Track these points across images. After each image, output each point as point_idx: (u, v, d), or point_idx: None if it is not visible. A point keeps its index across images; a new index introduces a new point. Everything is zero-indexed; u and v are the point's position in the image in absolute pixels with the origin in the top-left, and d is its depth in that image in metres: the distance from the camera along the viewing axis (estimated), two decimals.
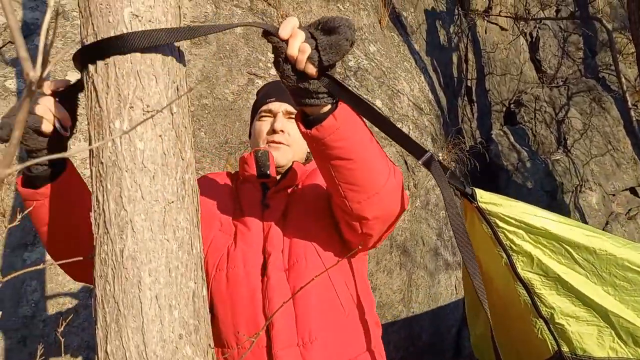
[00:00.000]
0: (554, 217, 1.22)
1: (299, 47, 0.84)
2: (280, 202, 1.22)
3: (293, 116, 1.30)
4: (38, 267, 0.82)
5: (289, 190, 1.27)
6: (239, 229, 1.18)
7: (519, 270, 1.24)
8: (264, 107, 1.36)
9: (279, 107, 1.34)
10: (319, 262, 1.12)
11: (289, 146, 1.32)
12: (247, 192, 1.26)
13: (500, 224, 1.21)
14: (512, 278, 1.26)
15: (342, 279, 1.17)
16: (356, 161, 0.98)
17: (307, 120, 0.96)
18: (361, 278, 1.23)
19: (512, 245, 1.22)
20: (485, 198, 1.20)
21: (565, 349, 1.29)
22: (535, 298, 1.25)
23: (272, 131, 1.31)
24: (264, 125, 1.34)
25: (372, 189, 1.01)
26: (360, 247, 1.11)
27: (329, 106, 0.93)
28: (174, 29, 0.83)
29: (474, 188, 1.19)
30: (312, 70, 0.86)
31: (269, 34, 0.87)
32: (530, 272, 1.23)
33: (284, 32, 0.85)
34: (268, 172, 1.26)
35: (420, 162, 1.08)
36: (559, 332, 1.28)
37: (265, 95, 1.40)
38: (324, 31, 0.86)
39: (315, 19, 0.88)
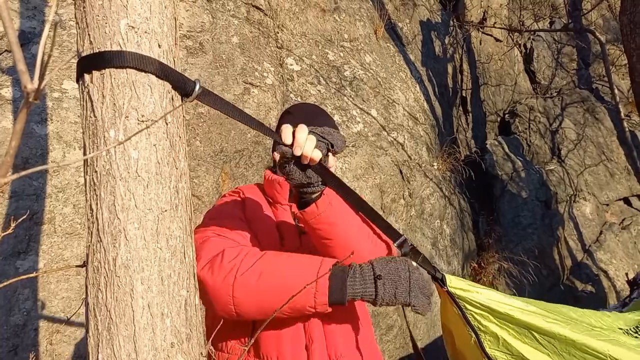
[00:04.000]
0: (517, 305, 1.34)
1: (315, 147, 1.01)
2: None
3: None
4: (30, 274, 0.83)
5: None
6: (283, 249, 1.26)
7: (487, 349, 1.35)
8: None
9: None
10: None
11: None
12: (283, 215, 1.35)
13: (469, 307, 1.33)
14: (481, 355, 1.36)
15: (357, 306, 1.29)
16: (335, 241, 1.13)
17: (300, 202, 1.11)
18: (365, 307, 1.37)
19: (479, 325, 1.34)
20: (454, 284, 1.31)
21: None
22: None
23: None
24: None
25: None
26: None
27: (318, 193, 1.08)
28: (170, 69, 0.85)
29: (444, 273, 1.30)
30: (316, 156, 1.02)
31: (277, 144, 1.03)
32: (497, 350, 1.35)
33: (288, 139, 1.01)
34: None
35: (395, 244, 1.20)
36: None
37: (296, 122, 1.43)
38: (327, 132, 1.06)
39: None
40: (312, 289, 1.03)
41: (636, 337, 1.53)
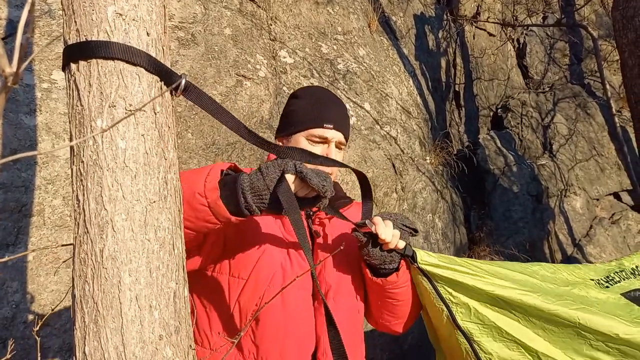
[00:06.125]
0: (489, 280, 1.34)
1: (393, 233, 1.18)
2: (328, 234, 1.33)
3: (343, 147, 1.38)
4: (16, 255, 0.81)
5: (330, 219, 1.36)
6: (291, 252, 1.23)
7: (459, 321, 1.36)
8: (319, 132, 1.32)
9: (335, 136, 1.34)
10: (352, 293, 1.33)
11: (332, 175, 1.35)
12: None
13: (440, 280, 1.34)
14: (454, 329, 1.37)
15: (361, 306, 1.37)
16: (401, 301, 1.33)
17: (373, 269, 1.26)
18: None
19: (450, 297, 1.35)
20: (425, 259, 1.32)
21: None
22: (475, 345, 1.36)
23: None
24: (315, 150, 1.29)
25: (403, 317, 1.39)
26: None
27: (396, 265, 1.26)
28: (158, 62, 0.83)
29: (415, 249, 1.31)
30: (401, 245, 1.22)
31: (357, 230, 1.19)
32: (469, 321, 1.36)
33: (378, 229, 1.17)
34: None
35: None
36: None
37: (320, 117, 1.33)
38: (404, 223, 1.24)
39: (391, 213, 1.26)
40: (204, 173, 1.00)
41: (607, 286, 1.54)
